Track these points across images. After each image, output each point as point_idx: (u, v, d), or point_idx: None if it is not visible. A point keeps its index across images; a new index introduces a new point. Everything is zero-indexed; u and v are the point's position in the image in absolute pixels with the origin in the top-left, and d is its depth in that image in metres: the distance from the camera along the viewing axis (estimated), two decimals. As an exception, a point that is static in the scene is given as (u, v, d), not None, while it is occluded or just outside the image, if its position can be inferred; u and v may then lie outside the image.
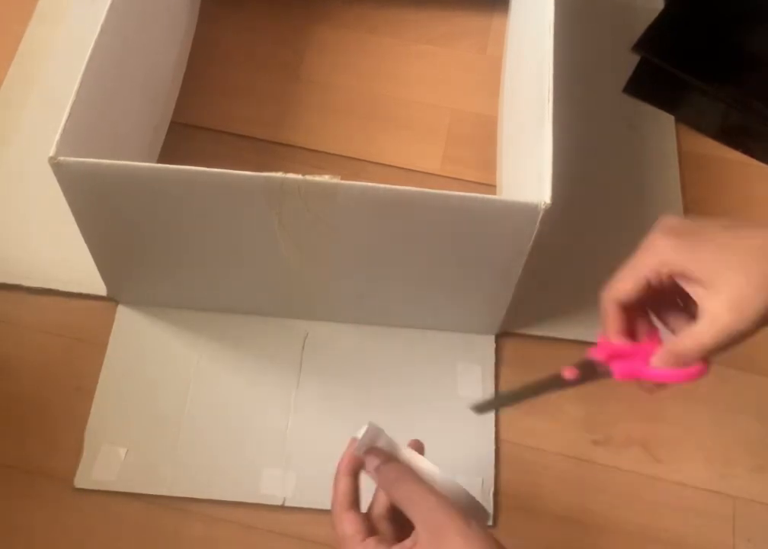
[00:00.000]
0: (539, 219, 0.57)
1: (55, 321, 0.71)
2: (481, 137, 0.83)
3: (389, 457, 0.53)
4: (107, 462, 0.66)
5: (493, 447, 0.68)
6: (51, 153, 0.56)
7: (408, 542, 0.49)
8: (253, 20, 0.89)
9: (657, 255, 0.51)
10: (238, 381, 0.70)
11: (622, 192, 0.81)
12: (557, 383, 0.54)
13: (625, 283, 0.52)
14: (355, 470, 0.54)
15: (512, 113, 0.78)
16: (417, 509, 0.49)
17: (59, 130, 0.57)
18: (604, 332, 0.53)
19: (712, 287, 0.48)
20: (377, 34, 0.89)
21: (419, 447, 0.57)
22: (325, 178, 0.56)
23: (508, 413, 0.70)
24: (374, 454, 0.53)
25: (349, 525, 0.51)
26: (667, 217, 0.52)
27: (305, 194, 0.57)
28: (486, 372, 0.71)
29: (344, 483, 0.53)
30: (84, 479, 0.65)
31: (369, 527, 0.52)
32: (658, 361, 0.51)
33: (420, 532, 0.48)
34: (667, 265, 0.50)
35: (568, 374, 0.54)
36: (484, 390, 0.70)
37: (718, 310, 0.48)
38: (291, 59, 0.87)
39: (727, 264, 0.48)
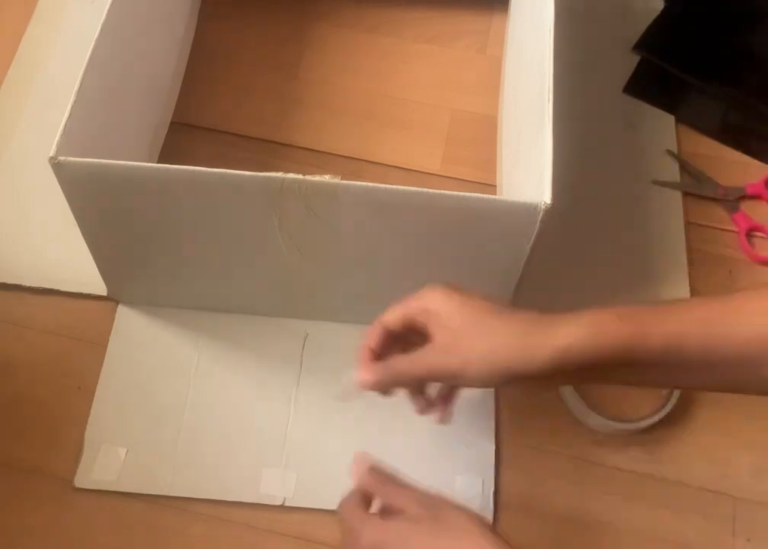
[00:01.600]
0: (539, 219, 0.57)
1: (55, 321, 0.71)
2: (481, 137, 0.83)
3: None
4: (107, 462, 0.66)
5: (493, 447, 0.68)
6: (51, 153, 0.56)
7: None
8: (253, 20, 0.89)
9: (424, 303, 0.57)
10: (238, 381, 0.70)
11: (622, 192, 0.81)
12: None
13: (393, 314, 0.58)
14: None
15: (512, 113, 0.78)
16: (410, 493, 0.55)
17: (60, 130, 0.57)
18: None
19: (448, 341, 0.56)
20: (377, 34, 0.89)
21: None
22: (325, 178, 0.56)
23: (508, 413, 0.70)
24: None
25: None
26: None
27: (306, 193, 0.57)
28: (486, 372, 0.71)
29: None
30: (84, 479, 0.65)
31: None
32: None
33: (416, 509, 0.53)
34: (427, 315, 0.57)
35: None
36: (484, 389, 0.70)
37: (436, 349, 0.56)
38: (291, 58, 0.87)
39: (470, 331, 0.55)
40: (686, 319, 0.54)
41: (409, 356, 0.57)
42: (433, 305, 0.57)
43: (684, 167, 0.83)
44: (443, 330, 0.56)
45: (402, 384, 0.60)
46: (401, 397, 0.70)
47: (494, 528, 0.52)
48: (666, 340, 0.53)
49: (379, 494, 0.55)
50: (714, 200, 0.81)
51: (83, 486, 0.65)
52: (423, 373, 0.57)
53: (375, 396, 0.69)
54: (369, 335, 0.59)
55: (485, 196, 0.58)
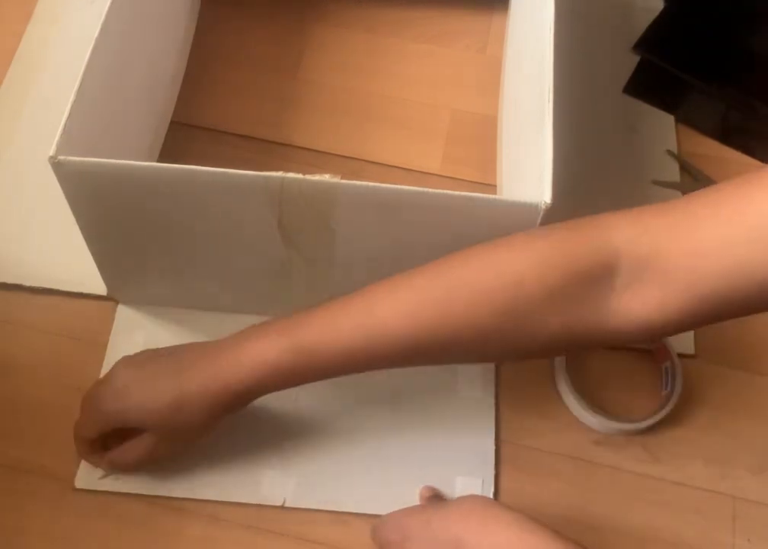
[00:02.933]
0: (539, 219, 0.57)
1: (55, 321, 0.71)
2: (481, 137, 0.83)
3: None
4: (107, 462, 0.66)
5: (493, 447, 0.68)
6: (51, 152, 0.56)
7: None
8: (253, 20, 0.89)
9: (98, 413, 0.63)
10: (238, 381, 0.70)
11: (622, 192, 0.81)
12: None
13: (90, 430, 0.63)
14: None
15: (512, 113, 0.78)
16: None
17: (60, 130, 0.57)
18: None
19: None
20: (377, 34, 0.89)
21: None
22: (325, 178, 0.56)
23: (508, 413, 0.70)
24: None
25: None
26: (117, 363, 0.64)
27: (305, 193, 0.57)
28: (486, 372, 0.71)
29: None
30: (84, 479, 0.65)
31: None
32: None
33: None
34: (104, 421, 0.62)
35: None
36: (484, 389, 0.70)
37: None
38: (291, 58, 0.87)
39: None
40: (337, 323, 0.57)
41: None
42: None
43: (684, 167, 0.83)
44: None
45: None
46: (401, 397, 0.70)
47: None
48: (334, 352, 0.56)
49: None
50: (714, 200, 0.81)
51: (83, 487, 0.65)
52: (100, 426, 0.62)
53: (375, 397, 0.70)
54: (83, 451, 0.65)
55: (485, 196, 0.58)
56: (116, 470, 0.64)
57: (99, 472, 0.65)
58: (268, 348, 0.57)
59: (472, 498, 0.57)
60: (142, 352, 0.63)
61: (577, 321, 0.53)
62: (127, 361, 0.62)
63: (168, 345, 0.70)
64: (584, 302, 0.53)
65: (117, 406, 0.60)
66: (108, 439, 0.63)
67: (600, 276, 0.53)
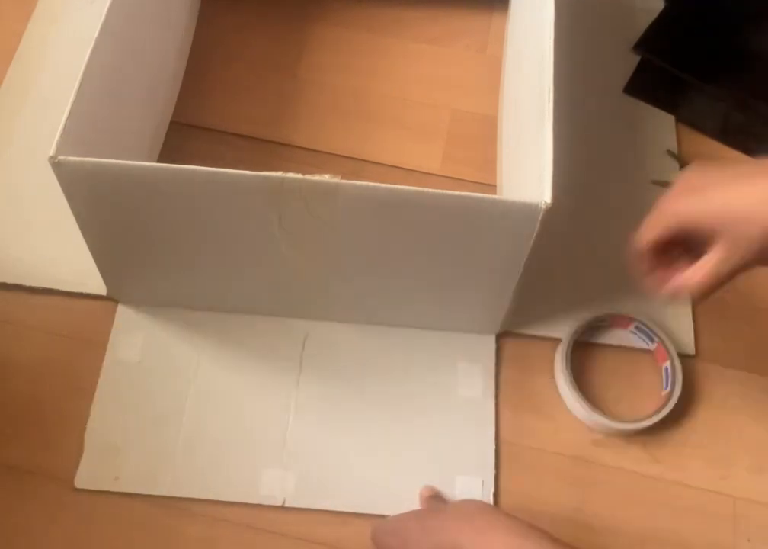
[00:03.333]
0: (539, 219, 0.57)
1: (55, 321, 0.71)
2: (481, 137, 0.83)
3: None
4: (107, 462, 0.66)
5: (493, 447, 0.68)
6: (51, 152, 0.56)
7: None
8: (253, 20, 0.89)
9: (674, 213, 0.57)
10: (238, 381, 0.70)
11: (622, 192, 0.81)
12: None
13: (651, 231, 0.58)
14: None
15: (512, 113, 0.78)
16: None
17: (60, 130, 0.57)
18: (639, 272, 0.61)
19: (719, 235, 0.55)
20: (376, 34, 0.89)
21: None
22: (326, 178, 0.56)
23: (508, 413, 0.70)
24: None
25: None
26: (685, 173, 0.58)
27: (306, 193, 0.57)
28: (486, 372, 0.71)
29: None
30: (84, 479, 0.65)
31: None
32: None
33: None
34: (682, 219, 0.56)
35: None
36: (484, 389, 0.70)
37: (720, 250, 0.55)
38: (291, 58, 0.87)
39: (732, 216, 0.54)
40: None
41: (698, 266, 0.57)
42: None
43: (684, 167, 0.83)
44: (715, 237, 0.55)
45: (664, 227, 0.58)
46: (402, 397, 0.70)
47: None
48: None
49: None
50: (714, 200, 0.81)
51: (83, 486, 0.65)
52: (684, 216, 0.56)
53: (375, 397, 0.70)
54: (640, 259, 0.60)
55: (485, 196, 0.58)
56: (681, 293, 0.58)
57: (99, 472, 0.65)
58: None
59: (471, 502, 0.57)
60: (712, 163, 0.58)
61: None
62: (698, 168, 0.57)
63: (167, 344, 0.70)
64: None
65: (690, 204, 0.56)
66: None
67: None
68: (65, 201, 0.60)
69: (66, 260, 0.72)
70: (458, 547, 0.53)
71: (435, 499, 0.65)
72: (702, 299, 0.58)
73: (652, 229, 0.58)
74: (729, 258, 0.55)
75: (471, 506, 0.56)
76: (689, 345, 0.73)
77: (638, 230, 0.59)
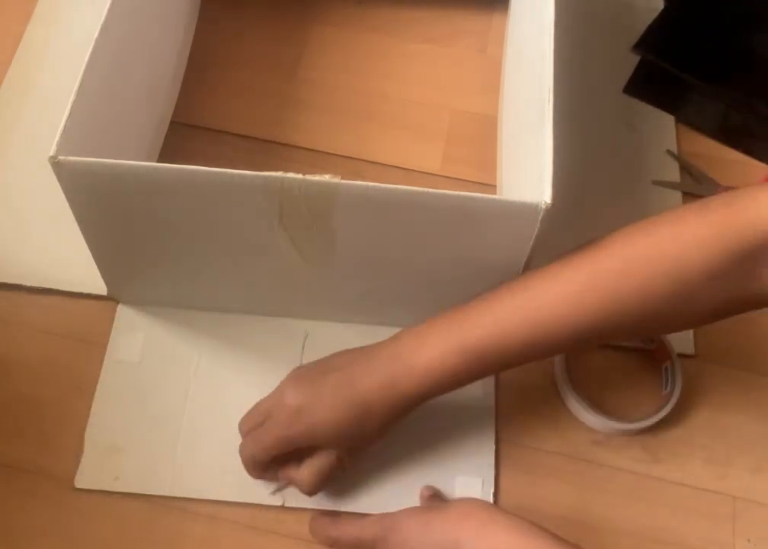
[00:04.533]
0: (539, 219, 0.57)
1: (55, 321, 0.71)
2: (481, 137, 0.83)
3: None
4: (107, 462, 0.66)
5: (493, 447, 0.68)
6: (51, 152, 0.56)
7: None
8: (253, 20, 0.89)
9: (278, 439, 0.62)
10: (238, 381, 0.70)
11: (622, 192, 0.81)
12: None
13: (262, 456, 0.63)
14: None
15: (512, 113, 0.78)
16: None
17: (60, 130, 0.57)
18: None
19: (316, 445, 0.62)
20: (377, 34, 0.89)
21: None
22: (326, 178, 0.56)
23: (508, 413, 0.70)
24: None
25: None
26: (284, 385, 0.63)
27: (306, 193, 0.57)
28: (486, 372, 0.71)
29: None
30: (84, 479, 0.65)
31: None
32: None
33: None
34: (287, 444, 0.62)
35: None
36: (484, 389, 0.70)
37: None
38: (291, 59, 0.87)
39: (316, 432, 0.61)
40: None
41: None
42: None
43: (684, 167, 0.83)
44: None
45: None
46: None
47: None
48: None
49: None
50: (714, 200, 0.81)
51: (83, 486, 0.65)
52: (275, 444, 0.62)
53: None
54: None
55: (485, 196, 0.58)
56: (297, 487, 0.63)
57: (99, 472, 0.65)
58: (436, 353, 0.59)
59: (471, 501, 0.57)
60: (299, 369, 0.64)
61: (739, 295, 0.56)
62: (294, 381, 0.62)
63: (167, 344, 0.70)
64: (745, 277, 0.55)
65: (301, 428, 0.60)
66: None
67: (761, 251, 0.54)
68: (65, 201, 0.59)
69: (66, 260, 0.72)
70: (458, 544, 0.53)
71: (435, 499, 0.65)
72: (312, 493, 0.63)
73: (268, 452, 0.62)
74: (340, 458, 0.62)
75: (471, 505, 0.56)
76: (689, 345, 0.73)
77: (247, 450, 0.63)
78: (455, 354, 0.58)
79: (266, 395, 0.64)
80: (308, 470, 0.61)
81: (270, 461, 0.63)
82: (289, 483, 0.64)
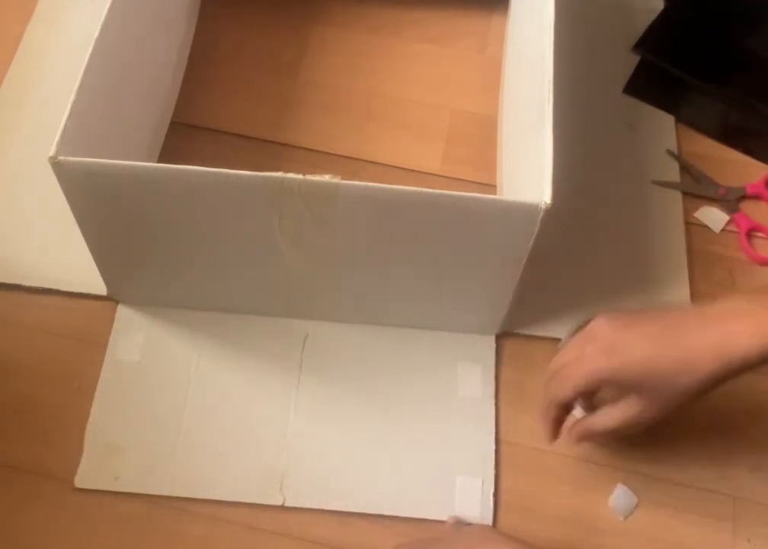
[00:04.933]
0: (539, 219, 0.57)
1: (55, 321, 0.71)
2: (481, 137, 0.83)
3: None
4: (107, 462, 0.66)
5: (493, 447, 0.68)
6: (51, 153, 0.56)
7: None
8: (253, 20, 0.89)
9: (598, 372, 0.59)
10: (239, 381, 0.70)
11: (622, 192, 0.81)
12: None
13: (572, 390, 0.60)
14: None
15: (512, 113, 0.78)
16: None
17: (60, 130, 0.57)
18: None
19: (639, 389, 0.58)
20: (377, 34, 0.89)
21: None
22: (326, 178, 0.56)
23: (508, 413, 0.70)
24: None
25: None
26: (598, 327, 0.60)
27: (306, 193, 0.57)
28: (486, 372, 0.71)
29: None
30: (84, 479, 0.65)
31: None
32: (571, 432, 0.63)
33: None
34: (605, 378, 0.59)
35: None
36: (484, 389, 0.70)
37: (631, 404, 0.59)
38: (291, 58, 0.87)
39: (660, 371, 0.57)
40: None
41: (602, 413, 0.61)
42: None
43: (684, 167, 0.83)
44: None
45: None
46: (402, 397, 0.70)
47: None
48: None
49: None
50: (714, 200, 0.81)
51: (83, 486, 0.65)
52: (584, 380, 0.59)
53: (375, 397, 0.70)
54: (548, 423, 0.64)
55: (485, 196, 0.58)
56: (588, 437, 0.62)
57: (99, 472, 0.65)
58: None
59: (481, 529, 0.59)
60: (619, 316, 0.60)
61: None
62: (608, 317, 0.59)
63: (167, 344, 0.70)
64: None
65: (615, 363, 0.57)
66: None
67: None
68: (65, 201, 0.60)
69: (66, 260, 0.72)
70: None
71: (456, 526, 0.65)
72: (602, 442, 0.64)
73: (574, 388, 0.60)
74: (644, 409, 0.59)
75: (480, 533, 0.58)
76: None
77: (552, 388, 0.61)
78: None
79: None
80: (610, 413, 0.60)
81: (574, 399, 0.61)
82: (586, 431, 0.62)
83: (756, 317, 0.56)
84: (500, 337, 0.73)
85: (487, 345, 0.72)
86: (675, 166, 0.83)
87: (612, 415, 0.60)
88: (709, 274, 0.77)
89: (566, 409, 0.62)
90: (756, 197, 0.82)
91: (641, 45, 0.83)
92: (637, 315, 0.60)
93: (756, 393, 0.72)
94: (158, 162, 0.77)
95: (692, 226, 0.80)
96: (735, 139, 0.85)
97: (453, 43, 0.90)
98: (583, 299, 0.74)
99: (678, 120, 0.86)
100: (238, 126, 0.82)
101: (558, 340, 0.72)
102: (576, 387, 0.59)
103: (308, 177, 0.56)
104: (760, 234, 0.80)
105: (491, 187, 0.80)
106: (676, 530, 0.66)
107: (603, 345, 0.58)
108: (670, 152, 0.84)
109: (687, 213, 0.80)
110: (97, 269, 0.68)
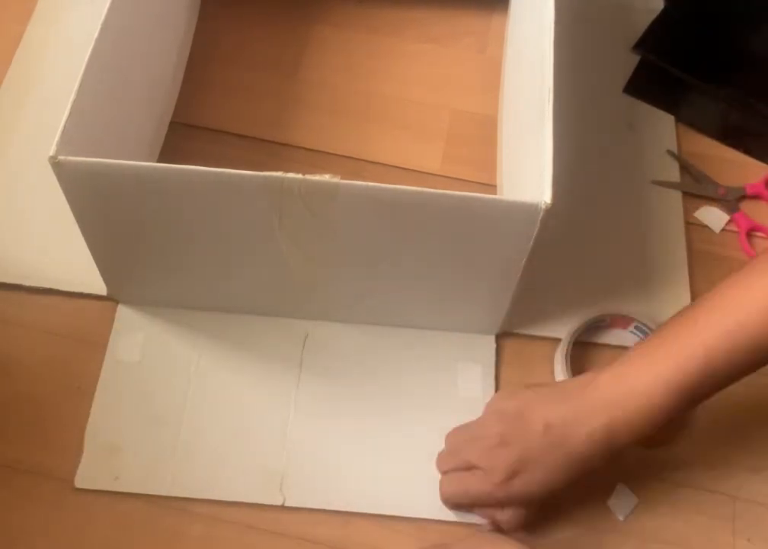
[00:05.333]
0: (539, 219, 0.57)
1: (55, 321, 0.71)
2: (481, 137, 0.83)
3: None
4: (107, 462, 0.66)
5: (493, 447, 0.68)
6: (51, 152, 0.56)
7: None
8: (253, 20, 0.89)
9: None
10: (239, 381, 0.70)
11: (622, 192, 0.81)
12: None
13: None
14: None
15: (512, 113, 0.78)
16: None
17: (60, 130, 0.57)
18: None
19: None
20: (377, 34, 0.89)
21: None
22: (326, 178, 0.56)
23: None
24: None
25: None
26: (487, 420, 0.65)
27: (306, 193, 0.57)
28: (486, 372, 0.71)
29: None
30: (84, 479, 0.65)
31: None
32: None
33: None
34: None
35: None
36: (484, 389, 0.70)
37: None
38: (291, 58, 0.87)
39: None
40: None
41: None
42: None
43: (684, 167, 0.83)
44: None
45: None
46: (402, 397, 0.70)
47: None
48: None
49: None
50: (714, 200, 0.81)
51: (83, 486, 0.65)
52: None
53: (375, 397, 0.70)
54: None
55: (485, 196, 0.58)
56: (501, 525, 0.63)
57: (99, 472, 0.65)
58: (645, 399, 0.58)
59: (491, 536, 0.60)
60: (495, 411, 0.63)
61: None
62: (500, 436, 0.61)
63: (167, 344, 0.70)
64: None
65: (518, 492, 0.60)
66: None
67: None
68: (65, 201, 0.60)
69: (66, 260, 0.72)
70: None
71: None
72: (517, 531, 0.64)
73: (471, 505, 0.64)
74: (531, 506, 0.63)
75: (491, 537, 0.59)
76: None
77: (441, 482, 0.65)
78: (667, 395, 0.57)
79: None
80: (515, 515, 0.62)
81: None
82: (491, 521, 0.64)
83: (629, 396, 0.58)
84: (500, 337, 0.73)
85: (487, 344, 0.72)
86: (675, 166, 0.83)
87: (519, 514, 0.62)
88: (709, 274, 0.77)
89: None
90: (756, 197, 0.82)
91: (641, 45, 0.83)
92: (521, 416, 0.61)
93: (756, 393, 0.72)
94: (158, 162, 0.77)
95: (692, 226, 0.80)
96: (735, 139, 0.85)
97: (453, 43, 0.90)
98: (583, 299, 0.74)
99: (678, 120, 0.86)
100: (238, 126, 0.82)
101: (558, 340, 0.72)
102: (476, 502, 0.63)
103: (309, 177, 0.56)
104: (760, 234, 0.80)
105: (491, 187, 0.80)
106: (676, 530, 0.66)
107: (502, 472, 0.60)
108: (670, 152, 0.84)
109: (687, 213, 0.80)
110: (97, 269, 0.68)
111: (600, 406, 0.59)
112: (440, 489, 0.65)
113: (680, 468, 0.69)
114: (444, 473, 0.65)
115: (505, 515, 0.62)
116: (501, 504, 0.62)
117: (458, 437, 0.65)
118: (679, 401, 0.57)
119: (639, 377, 0.58)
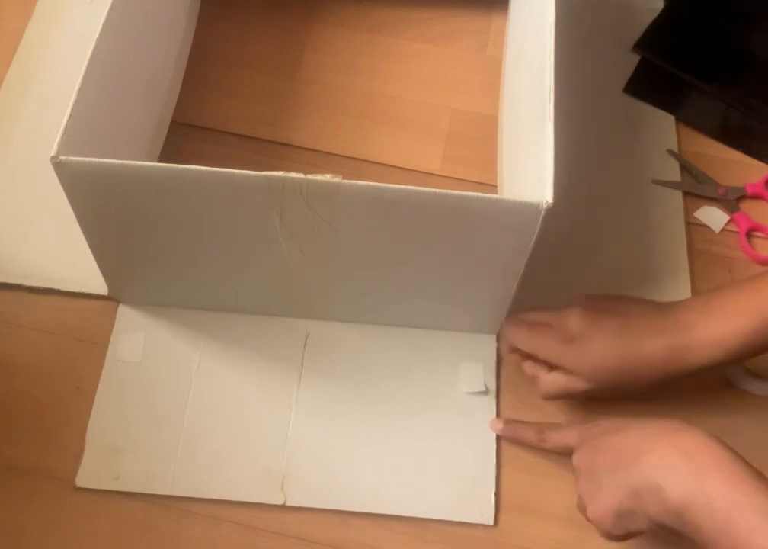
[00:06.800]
0: (540, 219, 0.57)
1: (55, 321, 0.71)
2: (481, 137, 0.83)
3: None
4: (108, 462, 0.66)
5: (493, 447, 0.68)
6: (53, 152, 0.56)
7: None
8: (253, 20, 0.89)
9: (543, 348, 0.66)
10: (240, 381, 0.70)
11: (622, 192, 0.81)
12: None
13: (520, 346, 0.68)
14: None
15: (512, 113, 0.78)
16: None
17: (61, 130, 0.57)
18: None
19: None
20: (377, 34, 0.89)
21: None
22: (327, 177, 0.56)
23: (509, 413, 0.70)
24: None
25: None
26: (573, 311, 0.66)
27: (307, 193, 0.57)
28: (487, 371, 0.71)
29: None
30: (84, 479, 0.65)
31: None
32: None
33: None
34: (546, 358, 0.66)
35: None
36: (485, 389, 0.70)
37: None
38: (291, 58, 0.87)
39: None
40: None
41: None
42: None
43: (684, 167, 0.83)
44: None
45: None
46: (403, 397, 0.70)
47: None
48: None
49: None
50: (714, 200, 0.81)
51: (84, 486, 0.65)
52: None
53: (375, 397, 0.70)
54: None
55: (486, 195, 0.58)
56: (535, 384, 0.66)
57: (100, 472, 0.65)
58: (729, 326, 0.60)
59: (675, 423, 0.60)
60: (593, 305, 0.65)
61: None
62: (582, 308, 0.64)
63: (168, 344, 0.70)
64: None
65: (571, 355, 0.63)
66: None
67: None
68: (65, 201, 0.60)
69: (66, 260, 0.72)
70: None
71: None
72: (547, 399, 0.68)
73: (524, 348, 0.67)
74: (576, 383, 0.64)
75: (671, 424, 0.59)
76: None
77: (510, 334, 0.69)
78: (749, 326, 0.59)
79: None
80: (555, 381, 0.65)
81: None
82: (532, 375, 0.66)
83: (708, 331, 0.60)
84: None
85: (488, 344, 0.72)
86: (675, 166, 0.83)
87: (559, 382, 0.65)
88: (709, 273, 0.77)
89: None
90: (756, 197, 0.82)
91: (641, 45, 0.83)
92: (608, 305, 0.65)
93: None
94: (159, 161, 0.77)
95: (692, 226, 0.80)
96: (735, 139, 0.85)
97: (453, 43, 0.90)
98: (583, 299, 0.74)
99: (678, 120, 0.86)
100: (238, 126, 0.82)
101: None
102: (526, 348, 0.66)
103: (310, 176, 0.56)
104: (759, 234, 0.80)
105: (491, 187, 0.80)
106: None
107: (567, 334, 0.63)
108: (670, 152, 0.84)
109: (687, 212, 0.80)
110: (97, 269, 0.68)
111: (682, 323, 0.61)
112: (504, 330, 0.69)
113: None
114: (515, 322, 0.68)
115: (547, 379, 0.65)
116: (552, 363, 0.65)
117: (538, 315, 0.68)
118: (760, 331, 0.59)
119: (725, 306, 0.61)
